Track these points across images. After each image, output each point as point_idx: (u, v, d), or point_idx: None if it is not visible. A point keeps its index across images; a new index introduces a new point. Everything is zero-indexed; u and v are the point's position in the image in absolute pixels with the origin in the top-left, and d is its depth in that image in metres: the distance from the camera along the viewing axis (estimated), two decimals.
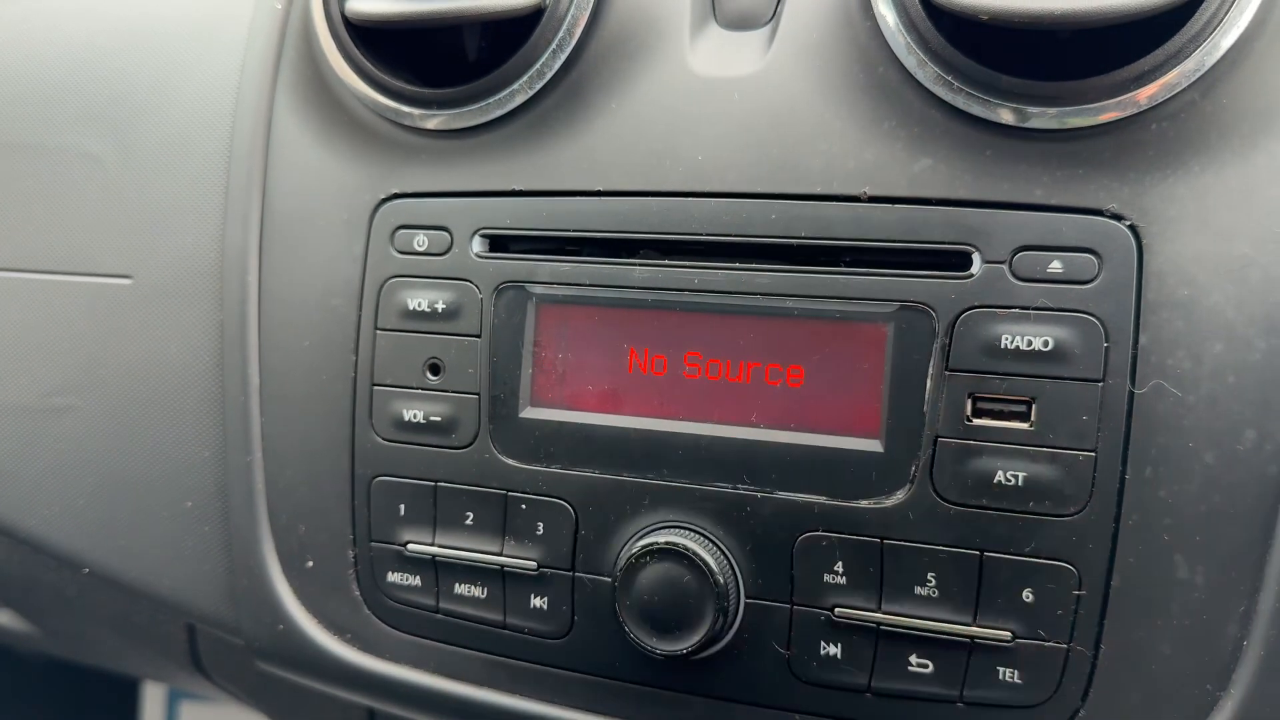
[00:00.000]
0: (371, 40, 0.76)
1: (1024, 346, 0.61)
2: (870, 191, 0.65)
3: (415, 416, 0.74)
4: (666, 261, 0.69)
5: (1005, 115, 0.63)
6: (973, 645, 0.63)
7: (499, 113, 0.74)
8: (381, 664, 0.78)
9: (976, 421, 0.62)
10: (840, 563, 0.65)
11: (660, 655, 0.66)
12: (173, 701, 1.87)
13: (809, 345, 0.66)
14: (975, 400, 0.63)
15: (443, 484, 0.74)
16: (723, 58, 0.71)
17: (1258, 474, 0.59)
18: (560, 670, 0.73)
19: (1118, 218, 0.61)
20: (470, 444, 0.73)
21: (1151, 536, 0.60)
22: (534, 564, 0.71)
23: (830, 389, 0.65)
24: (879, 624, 0.64)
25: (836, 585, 0.65)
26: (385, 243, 0.76)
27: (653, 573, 0.66)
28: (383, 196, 0.76)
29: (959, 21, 0.62)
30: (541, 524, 0.71)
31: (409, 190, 0.76)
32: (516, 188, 0.73)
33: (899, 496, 0.64)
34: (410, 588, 0.76)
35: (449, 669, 0.76)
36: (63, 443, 0.87)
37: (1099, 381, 0.60)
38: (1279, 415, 0.58)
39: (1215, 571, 0.59)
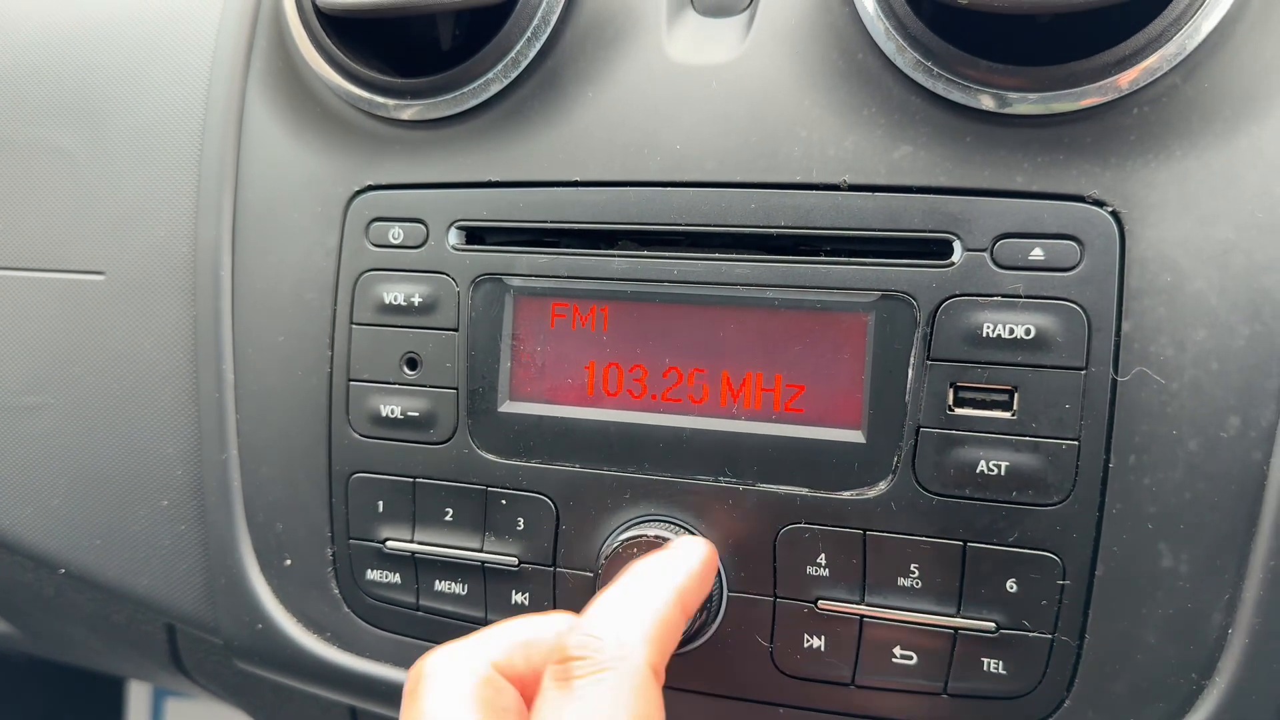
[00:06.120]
0: (344, 30, 0.75)
1: (1006, 335, 0.61)
2: (850, 180, 0.64)
3: (393, 412, 0.73)
4: (645, 252, 0.68)
5: (985, 101, 0.62)
6: (956, 637, 0.62)
7: (474, 102, 0.72)
8: (362, 662, 0.77)
9: (958, 411, 0.62)
10: (823, 554, 0.65)
11: None
12: (158, 699, 1.86)
13: (790, 335, 0.65)
14: (957, 389, 0.62)
15: (421, 480, 0.73)
16: (700, 45, 0.70)
17: (1242, 460, 0.58)
18: None
19: (1099, 204, 0.61)
20: (449, 439, 0.72)
21: (1135, 525, 0.60)
22: (515, 560, 0.71)
23: (811, 379, 0.65)
24: (862, 616, 0.64)
25: (819, 577, 0.65)
26: (360, 235, 0.74)
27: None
28: (357, 189, 0.75)
29: (938, 6, 0.61)
30: (522, 519, 0.70)
31: (383, 182, 0.75)
32: (493, 179, 0.72)
33: (881, 487, 0.63)
34: (390, 585, 0.75)
35: None
36: (36, 441, 0.86)
37: (1081, 369, 0.60)
38: (1262, 401, 0.58)
39: (1200, 559, 0.59)
